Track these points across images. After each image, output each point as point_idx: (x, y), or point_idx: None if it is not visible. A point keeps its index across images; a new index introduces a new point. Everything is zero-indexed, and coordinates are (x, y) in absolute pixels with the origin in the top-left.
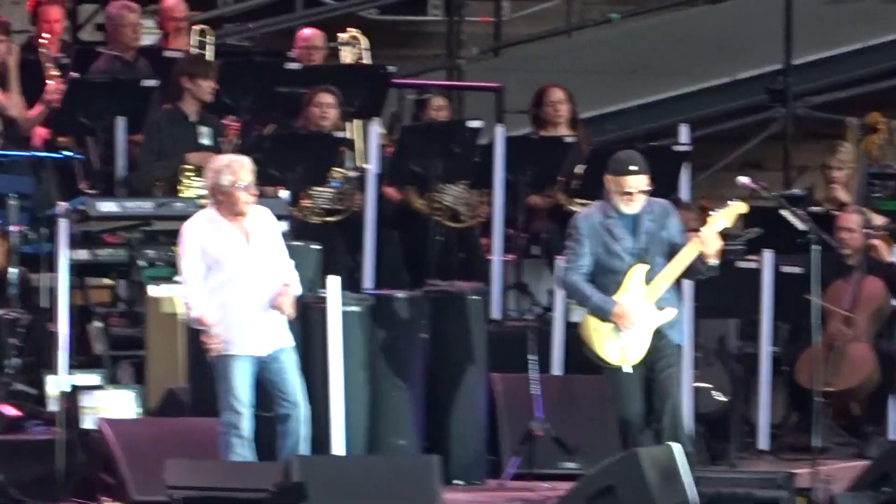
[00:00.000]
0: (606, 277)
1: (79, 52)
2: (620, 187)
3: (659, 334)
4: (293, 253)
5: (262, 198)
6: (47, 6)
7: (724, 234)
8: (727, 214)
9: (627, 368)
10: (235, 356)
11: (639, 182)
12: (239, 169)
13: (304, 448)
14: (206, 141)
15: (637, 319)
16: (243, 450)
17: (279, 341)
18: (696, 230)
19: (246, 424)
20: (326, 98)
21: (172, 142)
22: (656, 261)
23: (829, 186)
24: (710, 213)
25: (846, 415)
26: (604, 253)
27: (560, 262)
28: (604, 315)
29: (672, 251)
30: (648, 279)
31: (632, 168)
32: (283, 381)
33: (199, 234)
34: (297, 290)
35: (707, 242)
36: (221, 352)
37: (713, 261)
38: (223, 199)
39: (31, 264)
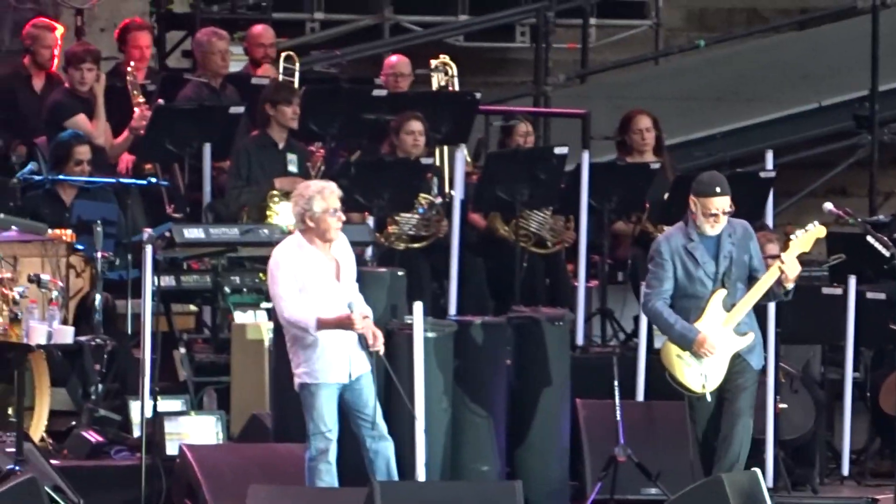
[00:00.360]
0: (687, 302)
1: (165, 79)
2: (706, 209)
3: (737, 358)
4: (378, 279)
5: (348, 224)
6: (136, 32)
7: (810, 261)
8: (806, 239)
9: (708, 396)
10: (323, 384)
11: (723, 203)
12: (329, 196)
13: (394, 468)
14: (293, 168)
15: (718, 347)
16: (330, 477)
17: (360, 367)
18: (778, 256)
19: (333, 451)
20: (417, 126)
21: (260, 168)
22: (736, 286)
23: None
24: (791, 237)
25: None
26: (684, 277)
27: (643, 287)
28: (686, 343)
29: (751, 275)
30: (728, 304)
31: (717, 189)
32: (364, 404)
33: (292, 259)
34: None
35: (787, 268)
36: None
37: (790, 285)
38: (313, 226)
39: (116, 290)
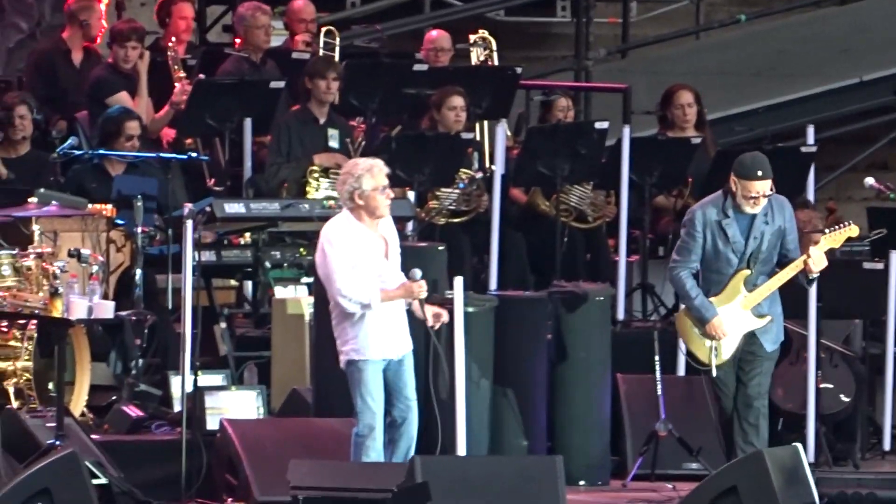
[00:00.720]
0: (711, 275)
1: (206, 54)
2: (746, 191)
3: (752, 338)
4: (419, 254)
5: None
6: (179, 3)
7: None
8: (837, 237)
9: (714, 370)
10: (370, 360)
11: (764, 187)
12: (378, 173)
13: (412, 449)
14: (334, 143)
15: (729, 330)
16: (376, 454)
17: (406, 345)
18: (822, 231)
19: (381, 427)
20: (458, 101)
21: (301, 143)
22: (761, 268)
23: None
24: (824, 232)
25: None
26: (712, 252)
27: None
28: (700, 320)
29: (781, 257)
30: (750, 284)
31: (759, 173)
32: (404, 383)
33: (344, 236)
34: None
35: (814, 263)
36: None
37: (813, 276)
38: (363, 204)
39: (157, 265)
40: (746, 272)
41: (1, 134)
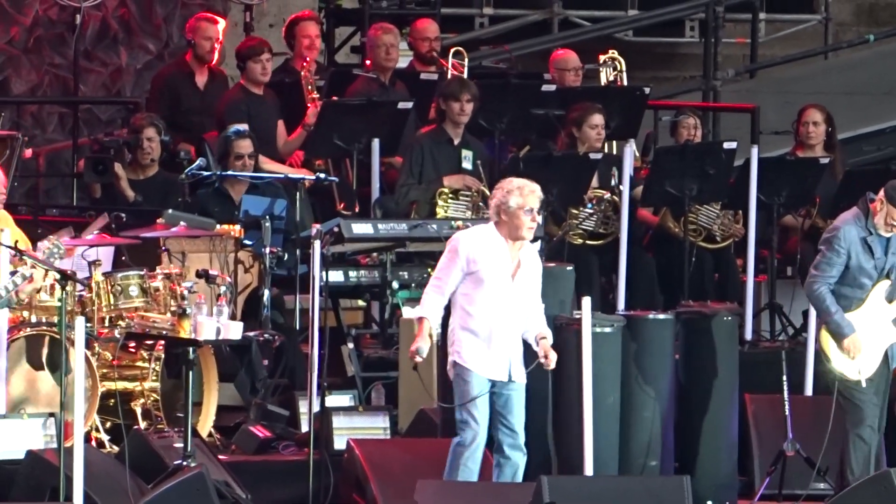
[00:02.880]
0: (850, 290)
1: (334, 75)
2: (892, 217)
3: (885, 355)
4: (547, 274)
5: None
6: (303, 23)
7: None
8: None
9: (864, 383)
10: (474, 372)
11: None
12: (529, 194)
13: (520, 475)
14: (467, 164)
15: (869, 344)
16: (474, 464)
17: (516, 374)
18: None
19: (483, 440)
20: (599, 119)
21: (434, 164)
22: None
23: None
24: None
25: None
26: (856, 268)
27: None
28: (838, 337)
29: None
30: (891, 294)
31: None
32: (510, 411)
33: (471, 245)
34: (550, 340)
35: None
36: (414, 360)
37: None
38: (506, 220)
39: (285, 286)
40: (886, 282)
41: (129, 156)
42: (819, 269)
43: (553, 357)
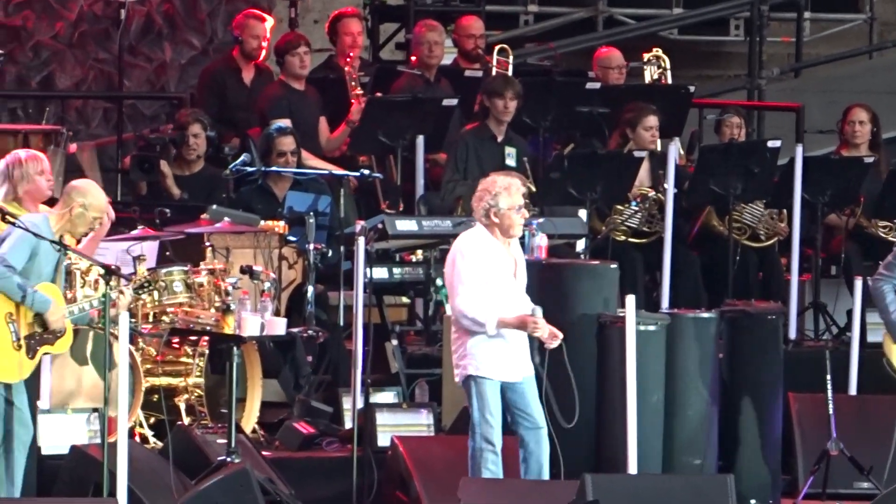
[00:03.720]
0: None
1: (379, 71)
2: None
3: None
4: (591, 272)
5: (560, 217)
6: (346, 19)
7: None
8: None
9: None
10: (488, 379)
11: None
12: (515, 192)
13: (545, 471)
14: (511, 161)
15: None
16: (496, 466)
17: (525, 370)
18: None
19: (498, 441)
20: (654, 120)
21: (478, 161)
22: None
23: None
24: None
25: None
26: None
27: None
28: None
29: None
30: None
31: None
32: (526, 404)
33: (477, 251)
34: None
35: None
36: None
37: None
38: (497, 222)
39: (329, 282)
40: None
41: (174, 152)
42: (887, 269)
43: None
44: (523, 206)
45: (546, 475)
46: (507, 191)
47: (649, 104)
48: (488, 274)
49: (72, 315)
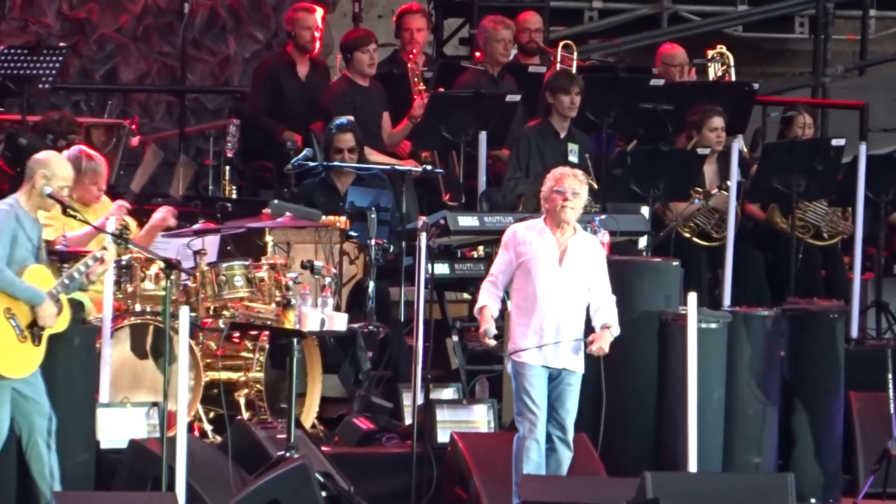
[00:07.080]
0: None
1: (442, 66)
2: None
3: None
4: (654, 269)
5: (622, 214)
6: (410, 15)
7: None
8: None
9: None
10: (530, 364)
11: None
12: (560, 177)
13: (564, 469)
14: (573, 158)
15: None
16: (538, 455)
17: (572, 363)
18: None
19: (542, 428)
20: (720, 121)
21: (541, 157)
22: None
23: None
24: None
25: None
26: None
27: None
28: None
29: None
30: None
31: None
32: (561, 405)
33: (517, 236)
34: (616, 331)
35: None
36: (485, 342)
37: None
38: (548, 207)
39: (390, 277)
40: None
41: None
42: None
43: (599, 345)
44: (578, 194)
45: (564, 472)
46: (553, 176)
47: (714, 106)
48: (524, 257)
49: (65, 289)
